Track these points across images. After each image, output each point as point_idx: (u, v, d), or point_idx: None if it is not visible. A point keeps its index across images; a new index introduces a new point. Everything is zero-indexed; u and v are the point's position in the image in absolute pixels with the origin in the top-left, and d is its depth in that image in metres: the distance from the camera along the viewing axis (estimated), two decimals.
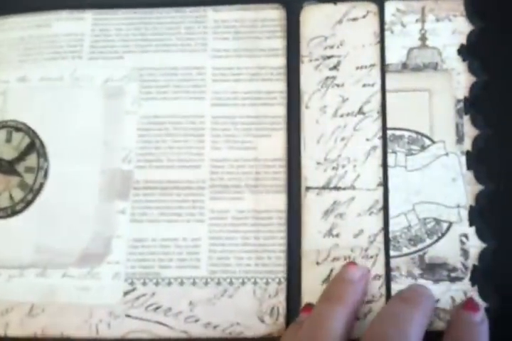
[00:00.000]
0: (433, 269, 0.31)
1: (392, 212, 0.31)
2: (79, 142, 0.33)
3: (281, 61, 0.34)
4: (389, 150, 0.32)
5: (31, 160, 0.33)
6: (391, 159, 0.32)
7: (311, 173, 0.32)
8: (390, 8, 0.33)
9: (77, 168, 0.33)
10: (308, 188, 0.32)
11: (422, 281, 0.30)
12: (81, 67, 0.34)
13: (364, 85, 0.33)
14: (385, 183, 0.32)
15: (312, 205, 0.32)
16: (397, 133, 0.32)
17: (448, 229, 0.31)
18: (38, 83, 0.34)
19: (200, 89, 0.34)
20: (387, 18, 0.33)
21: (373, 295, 0.30)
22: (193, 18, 0.35)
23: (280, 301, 0.31)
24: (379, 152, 0.32)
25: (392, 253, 0.31)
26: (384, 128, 0.32)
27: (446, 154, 0.32)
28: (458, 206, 0.31)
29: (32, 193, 0.33)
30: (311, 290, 0.31)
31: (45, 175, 0.33)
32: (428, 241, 0.31)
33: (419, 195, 0.32)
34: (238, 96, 0.33)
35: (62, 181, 0.33)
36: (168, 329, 0.31)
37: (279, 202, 0.32)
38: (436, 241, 0.31)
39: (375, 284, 0.30)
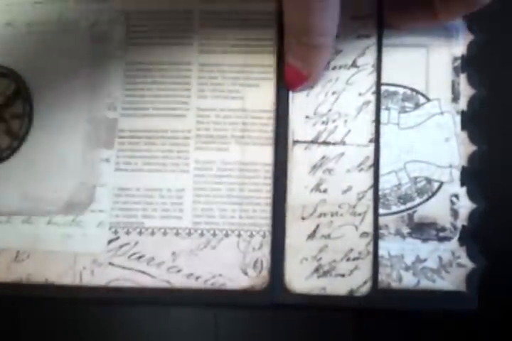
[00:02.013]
0: (422, 228, 0.28)
1: (382, 169, 0.29)
2: (65, 88, 0.30)
3: (271, 7, 0.29)
4: (382, 106, 0.29)
5: (17, 106, 0.30)
6: (384, 116, 0.29)
7: (299, 127, 0.29)
8: None
9: (63, 115, 0.30)
10: (295, 142, 0.29)
11: (410, 240, 0.28)
12: (67, 11, 0.31)
13: (359, 37, 0.29)
14: (376, 140, 0.28)
15: (300, 159, 0.29)
16: (391, 89, 0.29)
17: (439, 188, 0.29)
18: (24, 28, 0.31)
19: (187, 35, 0.30)
20: None
21: (360, 252, 0.28)
22: None
23: (264, 254, 0.28)
24: (372, 107, 0.29)
25: (380, 211, 0.28)
26: (378, 82, 0.29)
27: (441, 113, 0.29)
28: (450, 166, 0.29)
29: (18, 140, 0.30)
30: (295, 244, 0.28)
31: (31, 122, 0.30)
32: (418, 200, 0.29)
33: (411, 153, 0.29)
34: (227, 43, 0.30)
35: (48, 129, 0.30)
36: (151, 278, 0.28)
37: (265, 154, 0.29)
38: (427, 200, 0.29)
39: (363, 241, 0.28)
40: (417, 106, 0.29)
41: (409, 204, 0.29)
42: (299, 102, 0.29)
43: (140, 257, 0.29)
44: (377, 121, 0.29)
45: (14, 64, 0.31)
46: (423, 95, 0.29)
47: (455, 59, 0.30)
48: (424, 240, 0.28)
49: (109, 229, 0.29)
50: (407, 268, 0.28)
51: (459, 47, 0.30)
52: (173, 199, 0.29)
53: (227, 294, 0.28)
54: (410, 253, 0.28)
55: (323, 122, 0.29)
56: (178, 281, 0.29)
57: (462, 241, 0.28)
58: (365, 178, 0.28)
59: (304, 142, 0.29)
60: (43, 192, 0.30)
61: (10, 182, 0.30)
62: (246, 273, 0.28)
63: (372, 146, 0.29)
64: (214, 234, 0.29)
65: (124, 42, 0.30)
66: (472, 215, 0.29)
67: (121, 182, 0.29)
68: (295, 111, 0.29)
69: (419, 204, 0.29)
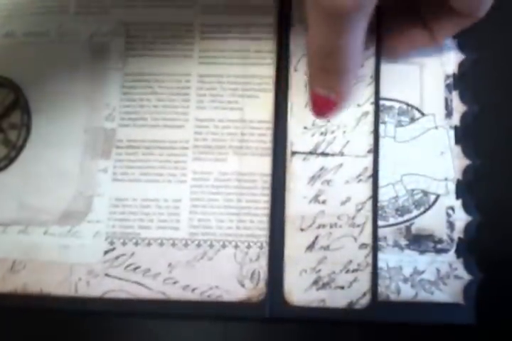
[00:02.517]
0: (419, 240, 0.28)
1: (380, 181, 0.28)
2: (63, 99, 0.29)
3: (271, 20, 0.29)
4: (379, 120, 0.29)
5: (15, 116, 0.29)
6: (380, 129, 0.29)
7: (297, 138, 0.28)
8: None
9: (61, 125, 0.29)
10: (294, 153, 0.28)
11: (408, 252, 0.28)
12: (67, 22, 0.30)
13: None
14: (375, 150, 0.28)
15: (298, 170, 0.28)
16: (388, 103, 0.29)
17: (435, 201, 0.28)
18: (24, 38, 0.30)
19: (187, 47, 0.29)
20: None
21: (359, 264, 0.27)
22: None
23: (261, 266, 0.27)
24: (370, 118, 0.28)
25: (379, 222, 0.28)
26: (377, 93, 0.28)
27: (436, 127, 0.29)
28: (446, 179, 0.28)
29: (15, 150, 0.29)
30: (294, 256, 0.27)
31: (28, 132, 0.29)
32: (415, 213, 0.28)
33: (408, 166, 0.28)
34: (226, 54, 0.29)
35: (46, 139, 0.29)
36: (147, 289, 0.27)
37: (263, 165, 0.28)
38: (423, 212, 0.28)
39: (362, 253, 0.27)
40: (413, 120, 0.29)
41: (406, 216, 0.28)
42: (298, 113, 0.29)
43: (136, 268, 0.28)
44: (376, 132, 0.28)
45: (13, 74, 0.30)
46: (418, 110, 0.29)
47: (447, 77, 0.30)
48: (422, 252, 0.28)
49: (105, 240, 0.28)
50: (405, 280, 0.28)
51: (450, 65, 0.30)
52: (170, 210, 0.28)
53: (223, 306, 0.27)
54: (408, 265, 0.28)
55: (321, 133, 0.28)
56: (174, 293, 0.28)
57: (459, 253, 0.28)
58: (364, 189, 0.28)
59: (303, 153, 0.28)
60: (40, 202, 0.29)
61: (7, 192, 0.29)
62: (243, 285, 0.28)
63: (370, 157, 0.28)
64: (211, 245, 0.28)
65: (123, 54, 0.30)
66: (468, 227, 0.28)
67: (118, 192, 0.29)
68: (294, 122, 0.29)
69: (416, 217, 0.28)
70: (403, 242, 0.28)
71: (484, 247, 0.28)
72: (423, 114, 0.29)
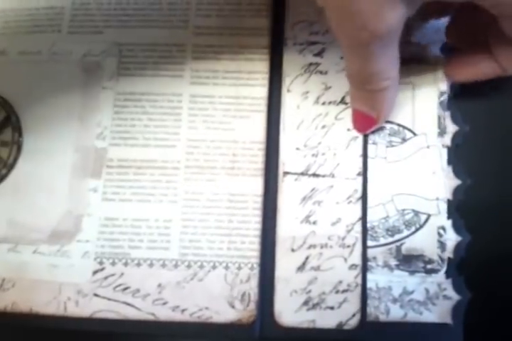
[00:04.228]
0: (409, 261, 0.27)
1: (370, 202, 0.27)
2: (54, 117, 0.28)
3: (264, 41, 0.28)
4: (370, 141, 0.28)
5: (6, 134, 0.28)
6: (371, 150, 0.27)
7: (289, 158, 0.27)
8: None
9: (52, 144, 0.28)
10: (286, 173, 0.27)
11: (397, 272, 0.26)
12: (60, 41, 0.29)
13: None
14: (364, 173, 0.27)
15: (290, 191, 0.27)
16: None
17: (426, 221, 0.27)
18: (17, 57, 0.29)
19: (179, 67, 0.28)
20: None
21: (349, 285, 0.26)
22: None
23: (252, 287, 0.26)
24: (360, 142, 0.27)
25: (369, 243, 0.26)
26: None
27: (428, 147, 0.28)
28: (437, 199, 0.27)
29: (6, 168, 0.27)
30: (285, 277, 0.26)
31: (19, 150, 0.28)
32: (406, 233, 0.27)
33: (398, 186, 0.27)
34: (218, 75, 0.28)
35: (36, 157, 0.28)
36: (136, 310, 0.26)
37: (255, 185, 0.27)
38: (414, 232, 0.27)
39: (352, 273, 0.26)
40: (404, 140, 0.28)
41: (397, 236, 0.27)
42: (290, 134, 0.28)
43: (125, 288, 0.27)
44: (365, 156, 0.27)
45: (5, 92, 0.29)
46: (410, 130, 0.28)
47: (441, 94, 0.28)
48: (412, 272, 0.27)
49: (94, 260, 0.27)
50: (394, 301, 0.26)
51: (444, 82, 0.28)
52: (161, 230, 0.27)
53: (213, 327, 0.26)
54: (398, 285, 0.26)
55: (313, 155, 0.27)
56: (164, 314, 0.26)
57: (448, 273, 0.27)
58: (354, 210, 0.27)
59: (295, 173, 0.27)
60: (30, 220, 0.27)
61: None
62: (233, 306, 0.26)
63: (360, 179, 0.27)
64: (201, 266, 0.27)
65: (115, 73, 0.29)
66: (457, 247, 0.27)
67: (108, 212, 0.27)
68: (286, 143, 0.28)
69: (406, 237, 0.27)
70: (393, 262, 0.27)
71: (473, 267, 0.27)
72: (414, 134, 0.28)
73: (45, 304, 0.27)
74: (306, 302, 0.26)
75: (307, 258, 0.26)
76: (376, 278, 0.27)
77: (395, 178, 0.27)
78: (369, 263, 0.26)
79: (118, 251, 0.27)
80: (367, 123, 0.27)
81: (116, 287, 0.27)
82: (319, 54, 0.29)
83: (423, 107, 0.28)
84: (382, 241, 0.27)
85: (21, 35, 0.30)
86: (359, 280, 0.26)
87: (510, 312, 0.27)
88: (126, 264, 0.27)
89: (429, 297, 0.26)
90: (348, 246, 0.26)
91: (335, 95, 0.28)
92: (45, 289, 0.27)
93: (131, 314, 0.26)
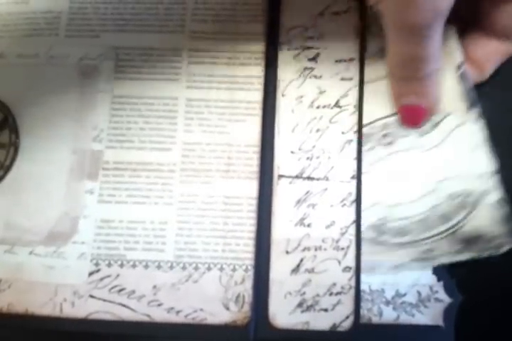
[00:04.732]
0: (474, 242, 0.26)
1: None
2: (51, 120, 0.28)
3: (259, 46, 0.28)
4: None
5: (3, 136, 0.28)
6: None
7: (284, 162, 0.27)
8: None
9: (48, 145, 0.28)
10: (280, 176, 0.27)
11: (390, 274, 0.26)
12: (57, 45, 0.29)
13: (342, 79, 0.28)
14: (358, 176, 0.27)
15: (284, 194, 0.27)
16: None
17: (479, 199, 0.27)
18: (14, 59, 0.29)
19: (175, 71, 0.28)
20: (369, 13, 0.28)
21: (343, 287, 0.26)
22: None
23: (246, 289, 0.26)
24: (354, 145, 0.27)
25: (425, 234, 0.26)
26: (360, 122, 0.28)
27: (461, 124, 0.27)
28: (485, 173, 0.27)
29: (3, 170, 0.27)
30: (279, 279, 0.26)
31: (16, 152, 0.28)
32: (461, 215, 0.27)
33: (439, 172, 0.27)
34: (214, 79, 0.28)
35: (33, 159, 0.28)
36: (131, 311, 0.26)
37: (250, 188, 0.27)
38: (469, 213, 0.27)
39: (345, 276, 0.26)
40: (435, 125, 0.27)
41: (452, 222, 0.27)
42: (285, 138, 0.28)
43: (121, 290, 0.26)
44: (359, 159, 0.27)
45: (2, 94, 0.29)
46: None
47: (458, 67, 0.27)
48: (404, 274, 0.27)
49: (90, 261, 0.27)
50: (387, 303, 0.26)
51: (458, 53, 0.27)
52: (156, 232, 0.27)
53: (208, 329, 0.26)
54: (390, 287, 0.26)
55: (307, 158, 0.27)
56: (159, 315, 0.26)
57: (439, 275, 0.27)
58: (348, 213, 0.27)
59: (289, 177, 0.27)
60: (26, 222, 0.27)
61: None
62: (228, 308, 0.26)
63: (354, 182, 0.27)
64: (196, 268, 0.27)
65: (112, 77, 0.29)
66: None
67: (104, 214, 0.27)
68: (280, 147, 0.28)
69: (463, 219, 0.27)
70: (457, 247, 0.27)
71: (465, 270, 0.27)
72: (445, 116, 0.27)
73: (41, 305, 0.26)
74: (300, 304, 0.26)
75: (301, 260, 0.26)
76: (369, 280, 0.26)
77: (434, 166, 0.27)
78: (432, 254, 0.26)
79: (114, 252, 0.27)
80: (419, 115, 0.27)
81: (112, 288, 0.27)
82: (314, 59, 0.29)
83: (444, 85, 0.27)
84: (437, 230, 0.27)
85: (19, 38, 0.29)
86: (353, 282, 0.26)
87: (501, 314, 0.27)
88: (121, 266, 0.27)
89: (421, 299, 0.26)
90: (342, 249, 0.26)
91: (329, 99, 0.28)
92: (41, 290, 0.27)
93: (126, 315, 0.26)
